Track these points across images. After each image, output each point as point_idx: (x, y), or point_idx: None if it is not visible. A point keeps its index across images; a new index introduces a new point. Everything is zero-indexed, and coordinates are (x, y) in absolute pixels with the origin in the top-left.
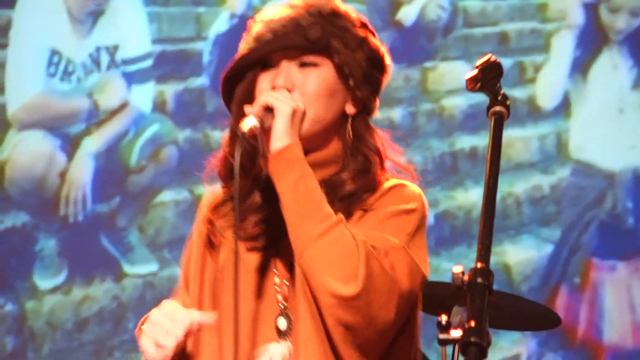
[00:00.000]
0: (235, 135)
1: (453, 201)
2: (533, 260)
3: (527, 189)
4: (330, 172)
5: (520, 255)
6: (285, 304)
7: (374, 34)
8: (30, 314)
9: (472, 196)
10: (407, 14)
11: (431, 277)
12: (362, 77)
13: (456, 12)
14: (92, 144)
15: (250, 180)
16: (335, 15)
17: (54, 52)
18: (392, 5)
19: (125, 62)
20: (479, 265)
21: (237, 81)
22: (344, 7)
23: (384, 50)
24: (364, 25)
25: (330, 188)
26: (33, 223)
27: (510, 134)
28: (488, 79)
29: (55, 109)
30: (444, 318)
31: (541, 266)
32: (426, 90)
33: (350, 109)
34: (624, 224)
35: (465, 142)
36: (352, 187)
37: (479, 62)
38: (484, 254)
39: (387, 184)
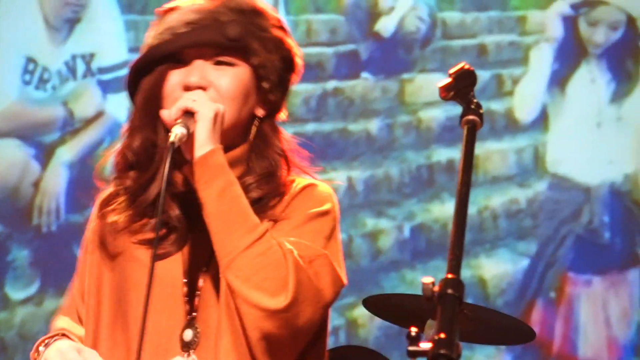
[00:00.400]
0: (134, 126)
1: (429, 214)
2: (509, 274)
3: (503, 203)
4: (235, 174)
5: (495, 269)
6: (194, 315)
7: (289, 35)
8: (2, 325)
9: (448, 209)
10: (385, 26)
11: (407, 290)
12: (276, 80)
13: (435, 24)
14: (67, 153)
15: (147, 175)
16: (255, 14)
17: (29, 60)
18: (370, 16)
19: (101, 70)
20: (449, 276)
21: (144, 72)
22: (262, 4)
23: (297, 51)
24: (281, 25)
25: None
26: (6, 233)
27: (487, 146)
28: (462, 87)
29: (30, 117)
30: (413, 330)
31: (517, 280)
32: (404, 102)
33: (259, 111)
34: (600, 238)
35: (442, 154)
36: (258, 192)
37: (453, 70)
38: (455, 264)
39: (296, 186)
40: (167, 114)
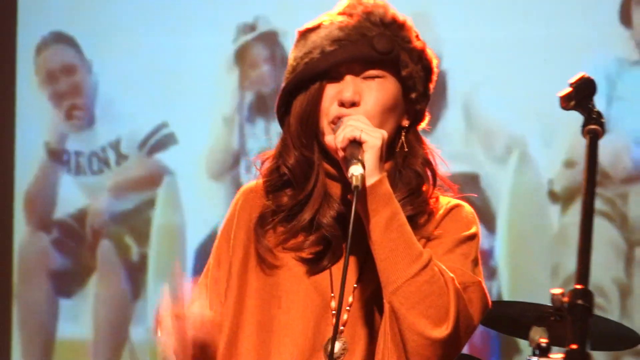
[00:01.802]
0: (287, 146)
1: None
2: None
3: None
4: None
5: None
6: (342, 329)
7: (427, 45)
8: None
9: None
10: None
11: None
12: (422, 90)
13: None
14: None
15: (303, 193)
16: (398, 26)
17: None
18: None
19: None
20: (578, 286)
21: (296, 92)
22: (402, 16)
23: (435, 61)
24: (418, 36)
25: None
26: None
27: None
28: (582, 96)
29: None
30: (543, 341)
31: None
32: None
33: (405, 122)
34: None
35: None
36: (409, 210)
37: (573, 79)
38: (583, 274)
39: (443, 205)
40: (332, 140)
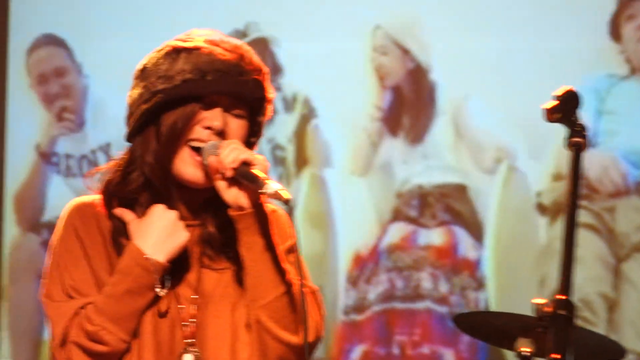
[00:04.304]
0: (145, 153)
1: None
2: None
3: None
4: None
5: None
6: (193, 341)
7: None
8: None
9: None
10: None
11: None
12: (260, 131)
13: None
14: None
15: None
16: (265, 74)
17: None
18: None
19: None
20: (560, 297)
21: (167, 105)
22: (264, 66)
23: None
24: (268, 79)
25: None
26: None
27: None
28: (567, 109)
29: None
30: (524, 350)
31: None
32: None
33: None
34: None
35: None
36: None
37: (557, 92)
38: (566, 285)
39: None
40: (215, 160)
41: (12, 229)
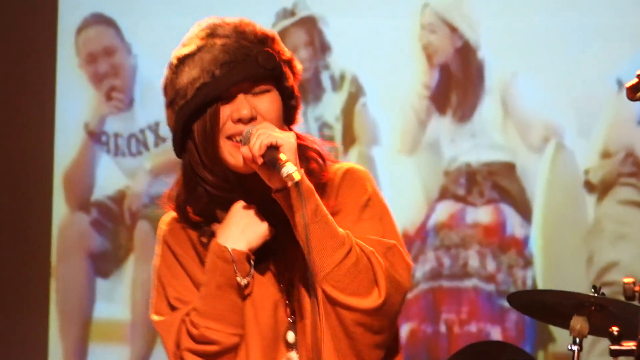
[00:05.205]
0: (196, 169)
1: None
2: None
3: None
4: None
5: None
6: (294, 317)
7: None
8: None
9: None
10: None
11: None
12: (294, 92)
13: None
14: None
15: (234, 191)
16: (270, 39)
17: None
18: None
19: None
20: None
21: (193, 116)
22: (269, 30)
23: (300, 67)
24: (282, 45)
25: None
26: None
27: None
28: None
29: None
30: (614, 329)
31: None
32: None
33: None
34: None
35: None
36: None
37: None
38: None
39: (336, 174)
40: (247, 150)
41: (61, 208)
